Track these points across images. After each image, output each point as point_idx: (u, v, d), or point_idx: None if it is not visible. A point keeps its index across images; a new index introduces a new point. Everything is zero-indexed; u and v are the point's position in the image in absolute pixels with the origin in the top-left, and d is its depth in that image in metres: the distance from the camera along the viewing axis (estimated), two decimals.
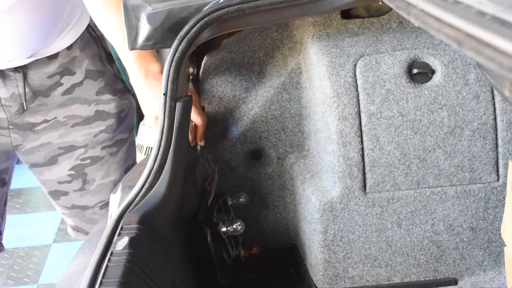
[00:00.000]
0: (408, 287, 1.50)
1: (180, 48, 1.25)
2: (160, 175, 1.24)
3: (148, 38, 1.30)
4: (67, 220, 1.79)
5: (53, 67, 1.58)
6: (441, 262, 1.49)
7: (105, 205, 1.70)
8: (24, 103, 1.56)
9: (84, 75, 1.62)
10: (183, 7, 1.31)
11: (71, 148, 1.65)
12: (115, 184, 1.66)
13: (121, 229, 1.11)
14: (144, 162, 1.31)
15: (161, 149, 1.25)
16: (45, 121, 1.60)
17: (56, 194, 1.72)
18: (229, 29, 1.35)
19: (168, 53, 1.26)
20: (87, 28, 1.62)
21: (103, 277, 0.99)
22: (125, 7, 1.31)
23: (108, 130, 1.66)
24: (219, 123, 1.54)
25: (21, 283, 2.74)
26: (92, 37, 1.64)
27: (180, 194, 1.29)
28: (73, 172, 1.67)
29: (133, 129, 1.77)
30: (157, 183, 1.23)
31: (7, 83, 1.54)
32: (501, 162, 1.44)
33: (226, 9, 1.24)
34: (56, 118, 1.61)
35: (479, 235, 1.47)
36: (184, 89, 1.35)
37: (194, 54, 1.39)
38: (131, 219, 1.14)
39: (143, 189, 1.23)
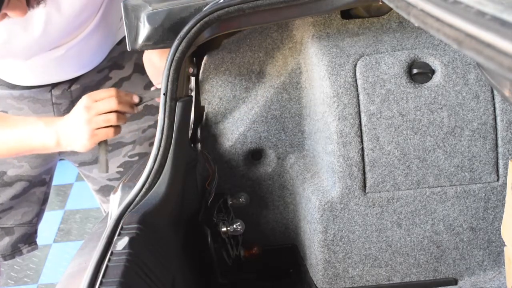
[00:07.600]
0: (408, 287, 1.50)
1: (180, 48, 1.25)
2: (160, 175, 1.24)
3: (148, 38, 1.30)
4: None
5: (103, 62, 1.58)
6: (441, 262, 1.49)
7: None
8: (73, 100, 1.56)
9: (132, 69, 1.61)
10: (183, 7, 1.31)
11: (118, 145, 1.64)
12: None
13: (121, 229, 1.11)
14: (144, 162, 1.31)
15: (161, 149, 1.25)
16: None
17: (107, 190, 1.71)
18: (229, 29, 1.35)
19: (168, 53, 1.27)
20: None
21: (103, 277, 0.99)
22: (125, 7, 1.32)
23: (156, 125, 1.65)
24: (219, 123, 1.54)
25: (21, 283, 2.74)
26: None
27: (180, 194, 1.29)
28: (121, 169, 1.66)
29: None
30: (157, 183, 1.24)
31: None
32: (501, 162, 1.44)
33: (226, 9, 1.25)
34: None
35: (479, 235, 1.47)
36: (184, 89, 1.35)
37: (194, 54, 1.39)
38: (131, 219, 1.14)
39: (143, 189, 1.23)
